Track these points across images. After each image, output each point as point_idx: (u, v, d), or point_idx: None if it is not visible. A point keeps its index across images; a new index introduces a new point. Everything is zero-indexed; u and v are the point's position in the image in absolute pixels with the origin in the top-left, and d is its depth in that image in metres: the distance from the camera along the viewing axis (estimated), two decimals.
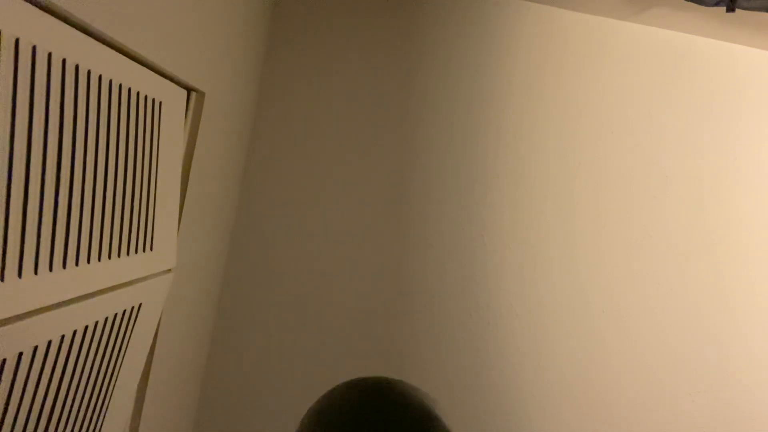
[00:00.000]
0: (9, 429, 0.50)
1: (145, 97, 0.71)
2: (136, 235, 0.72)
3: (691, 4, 1.29)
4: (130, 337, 0.73)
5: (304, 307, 1.39)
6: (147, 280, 0.76)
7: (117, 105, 0.64)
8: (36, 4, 0.50)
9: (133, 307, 0.73)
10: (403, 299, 1.42)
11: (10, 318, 0.48)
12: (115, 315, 0.68)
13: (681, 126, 1.51)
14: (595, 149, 1.49)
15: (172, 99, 0.82)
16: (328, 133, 1.43)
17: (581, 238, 1.47)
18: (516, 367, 1.43)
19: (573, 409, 1.43)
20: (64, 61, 0.53)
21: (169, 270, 0.85)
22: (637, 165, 1.49)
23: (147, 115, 0.72)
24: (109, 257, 0.65)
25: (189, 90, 0.91)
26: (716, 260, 1.49)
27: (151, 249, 0.77)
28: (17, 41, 0.46)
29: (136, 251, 0.72)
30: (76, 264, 0.57)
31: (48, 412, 0.57)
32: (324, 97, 1.43)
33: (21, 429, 0.52)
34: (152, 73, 0.74)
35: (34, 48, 0.48)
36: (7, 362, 0.48)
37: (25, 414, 0.52)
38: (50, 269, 0.53)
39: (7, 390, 0.49)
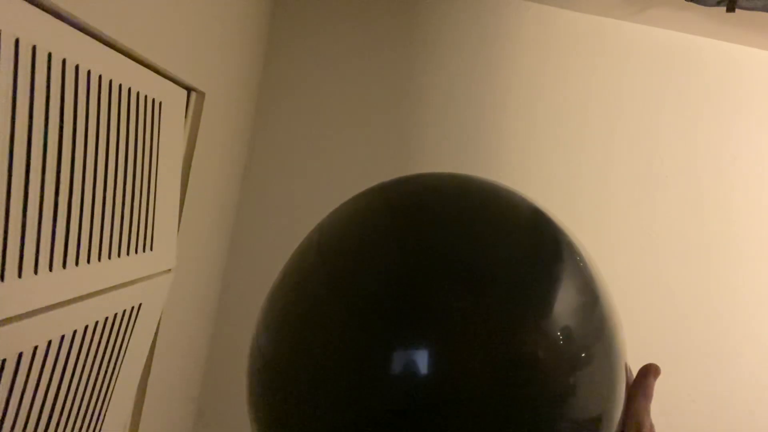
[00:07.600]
0: (9, 429, 0.50)
1: (145, 97, 0.72)
2: (136, 235, 0.72)
3: (691, 4, 1.29)
4: (130, 337, 0.73)
5: None
6: (147, 280, 0.76)
7: (117, 105, 0.64)
8: (36, 4, 0.50)
9: (133, 307, 0.73)
10: None
11: (10, 318, 0.48)
12: (115, 315, 0.68)
13: (681, 126, 1.51)
14: (595, 149, 1.49)
15: (172, 99, 0.82)
16: (328, 132, 1.43)
17: (581, 238, 1.46)
18: None
19: None
20: (64, 61, 0.53)
21: (169, 270, 0.85)
22: (637, 165, 1.49)
23: (147, 115, 0.72)
24: (109, 257, 0.65)
25: (189, 90, 0.91)
26: (717, 260, 1.49)
27: (151, 249, 0.77)
28: (17, 41, 0.46)
29: (136, 251, 0.72)
30: (76, 264, 0.57)
31: (48, 412, 0.57)
32: (324, 97, 1.43)
33: (21, 429, 0.52)
34: (152, 73, 0.74)
35: (34, 48, 0.48)
36: (7, 362, 0.48)
37: (25, 414, 0.52)
38: (50, 269, 0.53)
39: (7, 390, 0.49)
